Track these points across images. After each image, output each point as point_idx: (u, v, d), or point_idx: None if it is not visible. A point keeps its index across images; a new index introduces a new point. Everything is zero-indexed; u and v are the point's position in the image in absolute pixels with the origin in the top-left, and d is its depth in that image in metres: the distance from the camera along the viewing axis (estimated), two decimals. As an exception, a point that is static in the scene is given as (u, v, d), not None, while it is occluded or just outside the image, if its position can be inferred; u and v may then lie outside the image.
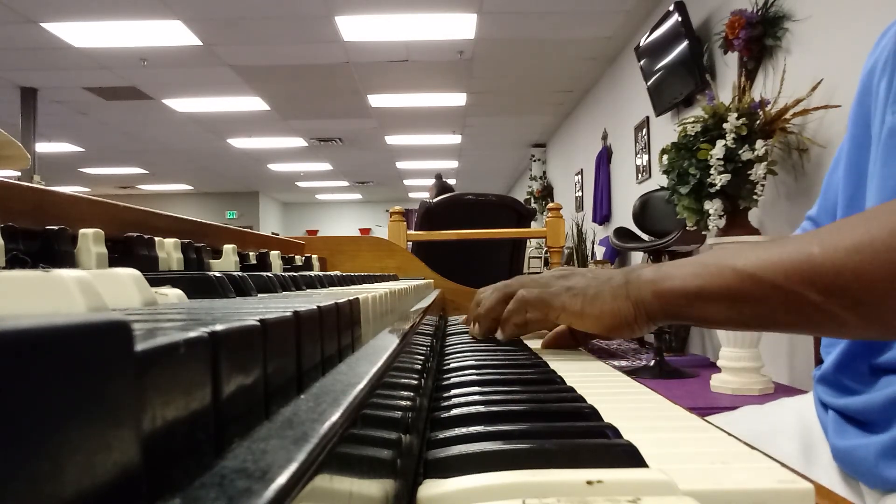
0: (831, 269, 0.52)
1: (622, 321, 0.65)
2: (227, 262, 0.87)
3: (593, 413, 0.40)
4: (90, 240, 0.54)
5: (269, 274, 0.60)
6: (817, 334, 0.59)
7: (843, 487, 0.69)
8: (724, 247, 2.75)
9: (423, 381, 0.45)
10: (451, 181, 10.98)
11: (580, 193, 7.45)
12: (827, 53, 2.76)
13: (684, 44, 4.00)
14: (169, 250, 0.69)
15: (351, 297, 0.36)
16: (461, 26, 5.24)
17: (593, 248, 6.42)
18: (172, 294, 0.39)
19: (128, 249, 0.63)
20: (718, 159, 2.74)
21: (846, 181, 0.74)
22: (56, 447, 0.09)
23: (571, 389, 0.48)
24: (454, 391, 0.47)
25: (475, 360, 0.63)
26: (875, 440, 0.62)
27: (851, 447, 0.66)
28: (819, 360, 0.77)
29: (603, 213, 6.22)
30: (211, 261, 0.82)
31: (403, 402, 0.32)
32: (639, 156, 5.31)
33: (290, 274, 0.65)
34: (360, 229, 15.51)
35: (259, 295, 0.51)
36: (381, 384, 0.26)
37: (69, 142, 8.98)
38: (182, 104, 7.32)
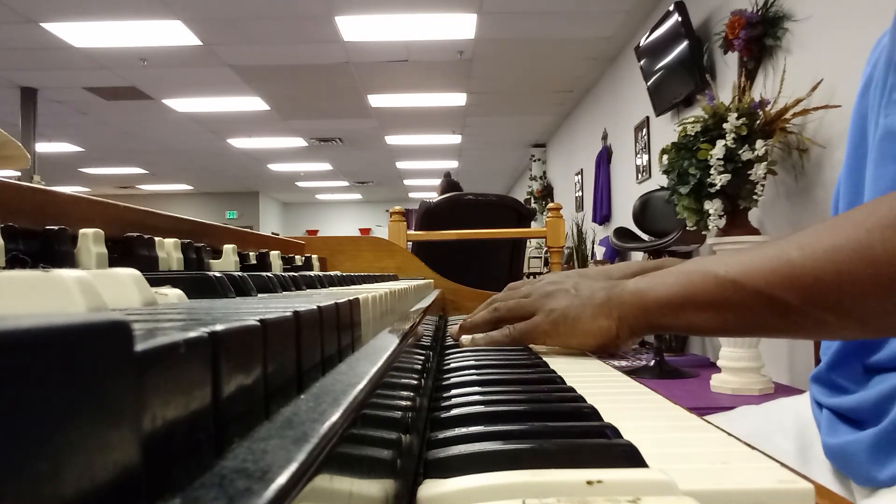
0: (811, 272, 0.52)
1: (605, 339, 0.67)
2: (227, 262, 0.87)
3: (593, 413, 0.40)
4: (90, 240, 0.54)
5: (269, 274, 0.60)
6: (803, 338, 0.60)
7: (837, 486, 0.70)
8: (724, 250, 2.75)
9: (423, 380, 0.45)
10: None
11: (580, 193, 7.45)
12: (827, 53, 2.76)
13: (684, 44, 4.00)
14: (169, 250, 0.69)
15: (351, 297, 0.36)
16: (461, 26, 5.23)
17: (593, 248, 6.42)
18: (172, 294, 0.39)
19: (128, 249, 0.63)
20: (718, 159, 2.74)
21: (846, 186, 0.75)
22: (56, 447, 0.09)
23: (571, 389, 0.48)
24: (454, 391, 0.47)
25: (475, 360, 0.63)
26: (864, 436, 0.63)
27: (842, 444, 0.66)
28: (819, 361, 0.77)
29: (603, 213, 6.22)
30: (211, 261, 0.82)
31: (403, 402, 0.32)
32: (639, 156, 5.31)
33: (290, 274, 0.65)
34: (360, 229, 15.51)
35: (259, 295, 0.51)
36: (382, 384, 0.26)
37: (69, 142, 8.98)
38: (182, 104, 7.32)
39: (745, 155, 2.72)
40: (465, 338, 0.76)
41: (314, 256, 1.37)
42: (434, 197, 3.34)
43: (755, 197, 2.80)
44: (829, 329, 0.54)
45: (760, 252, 0.56)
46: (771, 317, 0.55)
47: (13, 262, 0.46)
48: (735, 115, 2.75)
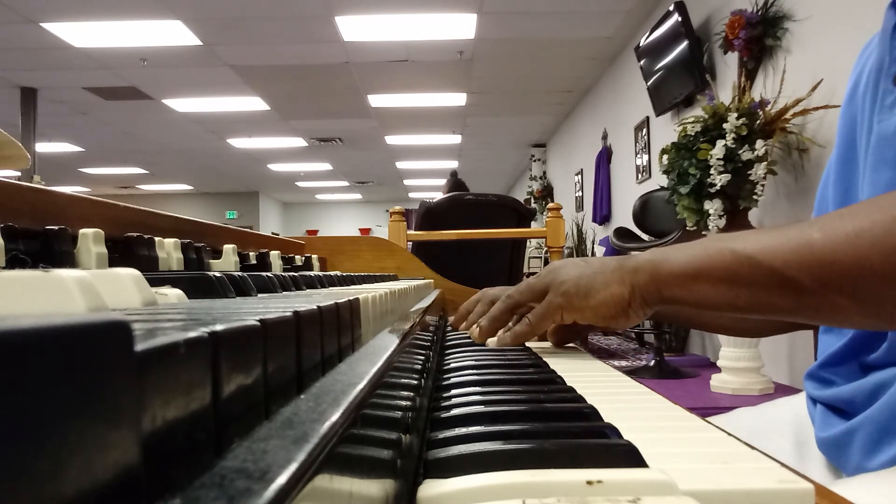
0: (830, 255, 0.51)
1: (618, 308, 0.65)
2: (227, 262, 0.87)
3: (593, 413, 0.40)
4: (90, 240, 0.54)
5: (269, 274, 0.60)
6: (814, 321, 0.59)
7: (830, 479, 0.70)
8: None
9: (423, 380, 0.45)
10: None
11: (580, 193, 7.45)
12: (827, 53, 2.76)
13: (684, 44, 4.00)
14: (169, 250, 0.69)
15: (351, 297, 0.36)
16: (461, 26, 5.23)
17: (593, 248, 6.42)
18: (172, 294, 0.39)
19: (128, 249, 0.63)
20: (718, 159, 2.74)
21: (836, 191, 0.75)
22: (56, 447, 0.09)
23: (571, 389, 0.48)
24: (454, 391, 0.47)
25: (475, 360, 0.63)
26: (855, 425, 0.63)
27: (835, 436, 0.67)
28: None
29: (603, 213, 6.22)
30: (211, 261, 0.82)
31: (403, 402, 0.32)
32: (639, 156, 5.31)
33: (290, 274, 0.65)
34: (360, 229, 15.51)
35: (259, 295, 0.51)
36: (381, 384, 0.26)
37: (69, 142, 8.98)
38: (182, 104, 7.32)
39: (745, 155, 2.72)
40: (491, 340, 0.75)
41: (314, 256, 1.37)
42: (438, 196, 3.34)
43: (755, 197, 2.80)
44: (842, 315, 0.53)
45: (781, 232, 0.56)
46: (784, 297, 0.54)
47: (13, 262, 0.46)
48: (735, 115, 2.75)
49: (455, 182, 4.63)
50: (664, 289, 0.62)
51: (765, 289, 0.55)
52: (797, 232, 0.54)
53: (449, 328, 0.94)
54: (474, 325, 0.79)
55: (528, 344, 0.79)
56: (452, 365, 0.60)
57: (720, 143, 2.74)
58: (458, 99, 7.32)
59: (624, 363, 3.69)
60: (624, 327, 0.69)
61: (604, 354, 4.22)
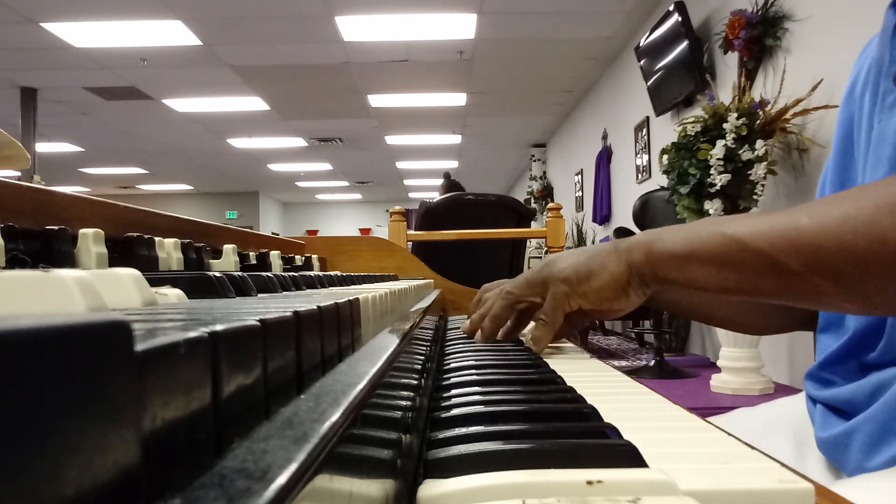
0: (815, 239, 0.52)
1: (618, 289, 0.67)
2: (227, 262, 0.87)
3: (593, 413, 0.40)
4: (90, 240, 0.54)
5: (269, 274, 0.60)
6: (800, 304, 0.59)
7: (829, 479, 0.70)
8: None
9: (423, 380, 0.45)
10: (451, 181, 10.94)
11: (580, 193, 7.45)
12: (827, 53, 2.76)
13: (684, 44, 4.00)
14: (169, 250, 0.69)
15: (351, 297, 0.36)
16: (461, 26, 5.23)
17: (593, 248, 6.42)
18: (172, 294, 0.39)
19: (128, 249, 0.63)
20: (718, 159, 2.74)
21: (833, 190, 0.75)
22: (56, 447, 0.09)
23: (571, 389, 0.48)
24: (454, 391, 0.47)
25: (475, 360, 0.63)
26: (855, 425, 0.63)
27: (834, 436, 0.67)
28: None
29: (603, 213, 6.22)
30: (211, 261, 0.82)
31: (403, 402, 0.32)
32: (639, 156, 5.31)
33: (290, 274, 0.65)
34: (360, 229, 15.51)
35: (259, 295, 0.51)
36: (381, 384, 0.26)
37: (69, 142, 8.98)
38: (182, 104, 7.32)
39: (745, 155, 2.72)
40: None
41: (314, 256, 1.37)
42: (436, 197, 3.34)
43: (755, 197, 2.80)
44: (829, 299, 0.54)
45: (771, 216, 0.57)
46: (771, 279, 0.55)
47: (13, 262, 0.46)
48: (735, 115, 2.75)
49: (450, 183, 4.63)
50: (657, 269, 0.63)
51: (752, 271, 0.56)
52: (786, 216, 0.55)
53: (449, 329, 0.95)
54: (478, 327, 0.79)
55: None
56: (452, 365, 0.60)
57: (720, 143, 2.74)
58: (458, 99, 7.32)
59: (624, 363, 3.69)
60: (625, 309, 0.69)
61: (604, 354, 4.22)
